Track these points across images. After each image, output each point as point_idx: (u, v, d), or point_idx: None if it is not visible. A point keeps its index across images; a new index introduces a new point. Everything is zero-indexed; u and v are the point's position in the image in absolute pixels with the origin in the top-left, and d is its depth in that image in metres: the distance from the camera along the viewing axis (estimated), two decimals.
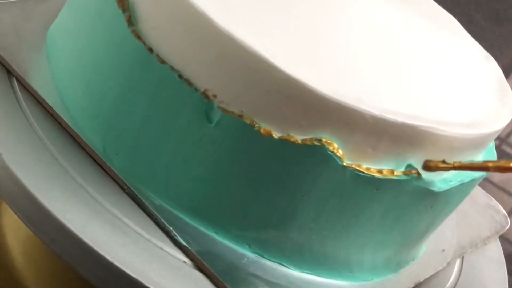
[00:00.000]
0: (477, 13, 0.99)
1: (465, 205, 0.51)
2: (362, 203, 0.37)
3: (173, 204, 0.38)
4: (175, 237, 0.37)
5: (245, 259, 0.38)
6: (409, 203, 0.38)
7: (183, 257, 0.37)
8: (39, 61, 0.43)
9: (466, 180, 0.40)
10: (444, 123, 0.36)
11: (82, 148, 0.40)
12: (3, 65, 0.43)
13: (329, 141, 0.35)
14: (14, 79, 0.42)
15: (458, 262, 0.48)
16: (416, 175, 0.36)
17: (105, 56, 0.39)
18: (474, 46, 0.47)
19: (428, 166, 0.37)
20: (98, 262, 0.34)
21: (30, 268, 0.49)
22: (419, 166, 0.37)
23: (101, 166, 0.39)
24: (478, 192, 0.56)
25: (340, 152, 0.35)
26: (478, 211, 0.54)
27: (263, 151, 0.35)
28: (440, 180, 0.38)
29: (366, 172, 0.36)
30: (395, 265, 0.43)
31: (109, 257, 0.34)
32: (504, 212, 0.55)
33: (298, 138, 0.35)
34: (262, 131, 0.35)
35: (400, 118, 0.35)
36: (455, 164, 0.37)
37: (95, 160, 0.39)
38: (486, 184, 1.07)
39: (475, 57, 0.46)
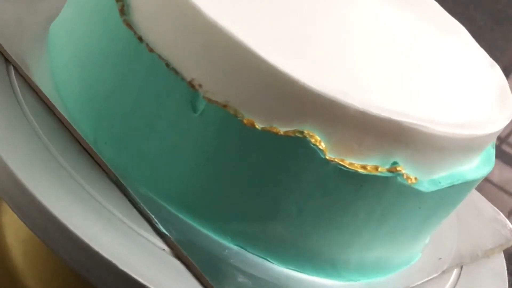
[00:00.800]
0: (477, 13, 0.99)
1: (469, 217, 0.51)
2: (346, 199, 0.37)
3: (158, 194, 0.38)
4: (156, 225, 0.37)
5: (227, 251, 0.38)
6: (395, 202, 0.38)
7: (163, 245, 0.37)
8: (39, 53, 0.44)
9: (457, 182, 0.39)
10: (433, 121, 0.36)
11: (75, 138, 0.40)
12: (1, 54, 0.43)
13: (311, 134, 0.35)
14: (12, 71, 0.42)
15: (456, 271, 0.47)
16: (401, 172, 0.36)
17: (98, 46, 0.39)
18: (480, 53, 0.47)
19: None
20: (77, 245, 0.35)
21: (30, 268, 0.49)
22: (405, 164, 0.36)
23: (90, 155, 0.39)
24: (485, 205, 0.55)
25: (322, 145, 0.35)
26: (484, 223, 0.53)
27: (246, 142, 0.35)
28: (429, 181, 0.38)
29: (350, 167, 0.35)
30: (385, 268, 0.42)
31: (86, 239, 0.35)
32: (511, 226, 0.54)
33: (281, 129, 0.35)
34: (245, 121, 0.35)
35: (385, 113, 0.34)
36: None
37: (85, 149, 0.40)
38: (486, 184, 1.07)
39: (479, 63, 0.46)
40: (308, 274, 0.39)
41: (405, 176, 0.36)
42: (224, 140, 0.36)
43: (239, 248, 0.38)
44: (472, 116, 0.40)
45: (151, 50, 0.36)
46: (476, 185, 0.43)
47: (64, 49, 0.43)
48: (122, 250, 0.35)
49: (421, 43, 0.44)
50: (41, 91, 0.41)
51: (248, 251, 0.38)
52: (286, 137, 0.35)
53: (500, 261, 0.51)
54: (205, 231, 0.38)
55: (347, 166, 0.35)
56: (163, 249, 0.37)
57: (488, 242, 0.50)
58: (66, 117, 0.40)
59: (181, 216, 0.38)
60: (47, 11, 0.47)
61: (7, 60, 0.43)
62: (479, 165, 0.42)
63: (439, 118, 0.37)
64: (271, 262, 0.39)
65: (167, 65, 0.36)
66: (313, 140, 0.35)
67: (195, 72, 0.35)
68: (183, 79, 0.35)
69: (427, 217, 0.41)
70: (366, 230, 0.39)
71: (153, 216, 0.37)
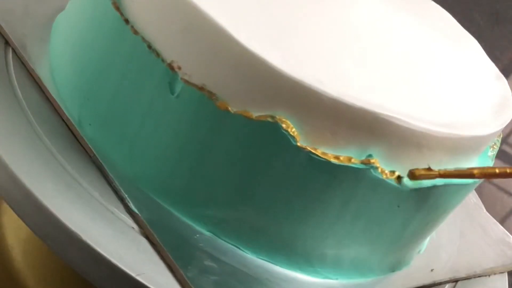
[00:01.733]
0: (477, 13, 0.99)
1: (473, 234, 0.50)
2: (319, 190, 0.36)
3: (135, 175, 0.39)
4: (128, 204, 0.37)
5: (198, 235, 0.38)
6: (371, 197, 0.37)
7: (133, 224, 0.37)
8: (41, 41, 0.44)
9: (439, 183, 0.38)
10: (412, 117, 0.35)
11: (65, 124, 0.40)
12: (2, 36, 0.44)
13: (283, 119, 0.34)
14: (11, 63, 0.43)
15: (449, 285, 0.46)
16: (375, 165, 0.36)
17: (88, 28, 0.40)
18: (488, 64, 0.46)
19: (412, 174, 0.36)
20: (46, 217, 0.35)
21: (30, 268, 0.49)
22: (381, 158, 0.36)
23: (74, 135, 0.40)
24: (495, 227, 0.53)
25: (294, 132, 0.35)
26: (488, 243, 0.51)
27: (220, 125, 0.36)
28: (408, 179, 0.37)
29: (322, 157, 0.35)
30: (366, 269, 0.41)
31: (54, 211, 0.35)
32: None
33: (254, 114, 0.35)
34: (219, 104, 0.35)
35: (360, 104, 0.34)
36: (440, 172, 0.36)
37: (69, 128, 0.40)
38: (486, 184, 1.07)
39: (483, 72, 0.45)
40: (281, 266, 0.39)
41: (379, 170, 0.36)
42: (198, 123, 0.36)
43: (211, 234, 0.38)
44: (459, 118, 0.39)
45: (135, 32, 0.37)
46: (466, 192, 0.42)
47: (62, 35, 0.43)
48: (92, 226, 0.36)
49: (420, 45, 0.44)
50: (34, 73, 0.42)
51: (220, 238, 0.38)
52: (259, 121, 0.35)
53: (502, 283, 0.49)
54: (177, 214, 0.38)
55: (319, 155, 0.35)
56: (132, 227, 0.37)
57: (489, 261, 0.49)
58: (57, 101, 0.41)
59: (155, 197, 0.38)
60: (57, 1, 0.47)
61: (7, 47, 0.44)
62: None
63: (421, 114, 0.36)
64: (242, 250, 0.38)
65: (149, 46, 0.36)
66: (284, 126, 0.34)
67: (175, 54, 0.36)
68: (163, 60, 0.36)
69: (408, 219, 0.40)
70: (341, 225, 0.38)
71: (126, 195, 0.38)
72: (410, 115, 0.36)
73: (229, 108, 0.35)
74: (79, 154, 0.39)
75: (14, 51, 0.43)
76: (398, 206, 0.38)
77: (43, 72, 0.42)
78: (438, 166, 0.37)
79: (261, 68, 0.34)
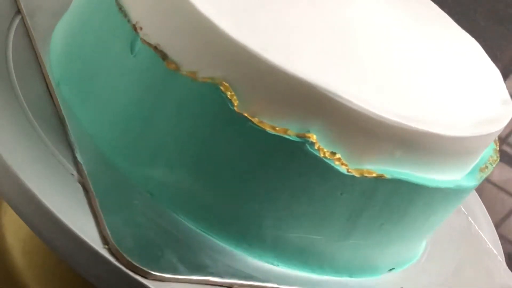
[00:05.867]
0: (477, 13, 0.99)
1: (473, 274, 0.46)
2: (255, 160, 0.36)
3: (96, 133, 0.39)
4: (75, 154, 0.38)
5: (138, 194, 0.38)
6: (309, 176, 0.36)
7: (74, 172, 0.37)
8: (51, 20, 0.46)
9: (387, 176, 0.36)
10: (362, 100, 0.34)
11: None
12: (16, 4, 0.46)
13: (224, 83, 0.35)
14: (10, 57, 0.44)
15: None
16: (310, 140, 0.35)
17: None
18: (488, 66, 0.45)
19: None
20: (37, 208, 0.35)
21: (30, 268, 0.49)
22: (322, 137, 0.35)
23: (52, 98, 0.41)
24: (504, 274, 0.48)
25: (233, 96, 0.35)
26: (486, 283, 0.47)
27: (168, 85, 0.36)
28: (353, 165, 0.36)
29: (258, 125, 0.35)
30: (314, 263, 0.39)
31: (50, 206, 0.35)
32: None
33: (200, 76, 0.35)
34: (167, 64, 0.36)
35: (300, 75, 0.34)
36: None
37: (49, 92, 0.41)
38: (486, 184, 1.07)
39: (482, 72, 0.44)
40: (215, 239, 0.38)
41: (316, 146, 0.35)
42: (149, 82, 0.37)
43: (150, 196, 0.38)
44: (432, 115, 0.37)
45: None
46: (438, 199, 0.39)
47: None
48: (20, 155, 0.37)
49: (415, 44, 0.43)
50: (34, 39, 0.44)
51: (158, 200, 0.38)
52: (202, 83, 0.35)
53: None
54: (124, 172, 0.38)
55: (255, 123, 0.35)
56: (72, 174, 0.37)
57: None
58: (45, 64, 0.42)
59: (107, 155, 0.39)
60: None
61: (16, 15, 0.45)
62: (449, 176, 0.39)
63: (384, 104, 0.35)
64: (178, 215, 0.38)
65: (120, 8, 0.38)
66: (222, 88, 0.35)
67: (139, 15, 0.37)
68: (129, 21, 0.37)
69: (356, 212, 0.38)
70: (279, 202, 0.37)
71: (76, 145, 0.38)
72: (363, 99, 0.35)
73: (178, 69, 0.36)
74: (52, 111, 0.41)
75: (22, 19, 0.45)
76: (341, 194, 0.37)
77: (40, 45, 0.44)
78: (390, 159, 0.36)
79: (209, 30, 0.35)
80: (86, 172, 0.37)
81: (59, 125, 0.40)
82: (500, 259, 0.49)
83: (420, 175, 0.38)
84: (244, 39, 0.34)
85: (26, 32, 0.44)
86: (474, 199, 0.56)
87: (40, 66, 0.43)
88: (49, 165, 0.37)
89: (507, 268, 0.48)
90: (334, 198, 0.37)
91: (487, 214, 0.56)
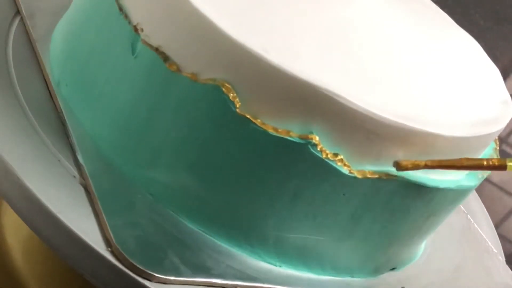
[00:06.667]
0: (477, 13, 0.99)
1: (473, 273, 0.46)
2: (257, 161, 0.36)
3: (96, 134, 0.39)
4: (77, 156, 0.38)
5: (139, 196, 0.38)
6: (311, 177, 0.36)
7: (76, 174, 0.38)
8: (50, 21, 0.46)
9: (391, 177, 0.36)
10: (363, 101, 0.35)
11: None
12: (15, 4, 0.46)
13: (225, 84, 0.35)
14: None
15: None
16: (313, 142, 0.35)
17: None
18: (488, 67, 0.45)
19: (398, 165, 0.35)
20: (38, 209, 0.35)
21: (30, 268, 0.49)
22: (324, 138, 0.35)
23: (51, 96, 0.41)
24: (505, 274, 0.47)
25: (235, 98, 0.35)
26: (486, 282, 0.46)
27: (169, 87, 0.36)
28: (355, 166, 0.36)
29: (261, 126, 0.35)
30: (316, 265, 0.39)
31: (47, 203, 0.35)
32: None
33: (202, 77, 0.35)
34: (169, 66, 0.36)
35: (302, 76, 0.34)
36: (427, 162, 0.35)
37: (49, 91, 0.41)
38: (486, 184, 1.07)
39: (481, 72, 0.44)
40: (217, 240, 0.38)
41: (319, 148, 0.35)
42: (150, 83, 0.37)
43: (152, 197, 0.38)
44: (431, 115, 0.37)
45: None
46: (440, 200, 0.39)
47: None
48: (22, 155, 0.37)
49: (414, 43, 0.43)
50: (32, 35, 0.44)
51: (160, 202, 0.38)
52: (204, 85, 0.35)
53: None
54: (125, 173, 0.38)
55: (258, 124, 0.35)
56: (74, 176, 0.37)
57: None
58: (45, 65, 0.42)
59: (107, 156, 0.39)
60: None
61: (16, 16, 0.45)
62: (449, 176, 0.39)
63: (385, 105, 0.35)
64: (180, 217, 0.38)
65: (120, 9, 0.38)
66: (224, 90, 0.35)
67: (140, 17, 0.37)
68: (130, 22, 0.37)
69: (359, 214, 0.38)
70: (282, 204, 0.37)
71: (77, 147, 0.38)
72: (364, 99, 0.35)
73: (179, 70, 0.35)
74: (53, 111, 0.41)
75: (22, 20, 0.45)
76: (344, 195, 0.37)
77: (44, 45, 0.44)
78: (391, 159, 0.36)
79: (210, 32, 0.34)
80: (87, 173, 0.37)
81: (59, 125, 0.40)
82: (500, 258, 0.49)
83: (421, 175, 0.38)
84: (245, 40, 0.34)
85: (26, 32, 0.45)
86: (474, 199, 0.56)
87: (40, 66, 0.43)
88: (50, 166, 0.37)
89: (507, 267, 0.48)
90: (336, 199, 0.37)
91: (487, 214, 0.56)
